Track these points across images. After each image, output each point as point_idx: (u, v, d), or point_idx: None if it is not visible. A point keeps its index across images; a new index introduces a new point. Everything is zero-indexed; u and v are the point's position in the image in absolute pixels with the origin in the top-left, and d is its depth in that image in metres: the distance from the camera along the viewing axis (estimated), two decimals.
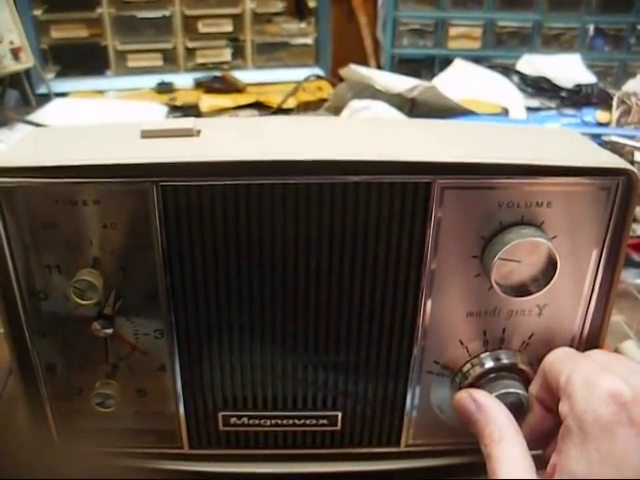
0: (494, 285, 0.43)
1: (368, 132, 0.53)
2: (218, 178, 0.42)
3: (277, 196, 0.42)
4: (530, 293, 0.44)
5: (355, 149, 0.43)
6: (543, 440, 0.45)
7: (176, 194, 0.42)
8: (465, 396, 0.46)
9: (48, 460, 0.50)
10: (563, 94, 1.43)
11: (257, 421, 0.51)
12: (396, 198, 0.42)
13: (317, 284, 0.45)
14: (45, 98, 1.43)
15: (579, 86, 1.42)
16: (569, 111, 1.37)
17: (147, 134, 0.46)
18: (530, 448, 0.41)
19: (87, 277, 0.43)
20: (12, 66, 1.15)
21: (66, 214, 0.43)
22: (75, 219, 0.43)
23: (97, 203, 0.42)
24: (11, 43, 1.14)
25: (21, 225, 0.43)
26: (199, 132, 0.47)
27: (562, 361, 0.44)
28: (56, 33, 1.61)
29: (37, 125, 1.15)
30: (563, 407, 0.40)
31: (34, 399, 0.49)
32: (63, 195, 0.42)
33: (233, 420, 0.50)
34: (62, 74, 1.65)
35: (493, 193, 0.42)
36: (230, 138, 0.49)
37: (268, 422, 0.51)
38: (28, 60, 1.20)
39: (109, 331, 0.45)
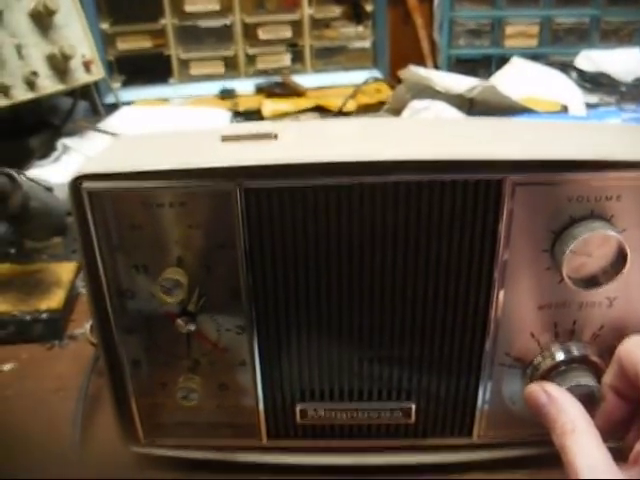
0: (565, 278, 0.44)
1: (436, 132, 0.54)
2: (298, 179, 0.43)
3: (354, 195, 0.44)
4: (600, 285, 0.44)
5: (428, 149, 0.45)
6: (619, 429, 0.45)
7: (258, 195, 0.44)
8: (537, 388, 0.46)
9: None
10: (623, 89, 1.41)
11: (333, 413, 0.52)
12: (469, 195, 0.43)
13: (393, 281, 0.46)
14: (113, 107, 1.47)
15: (639, 80, 1.40)
16: (629, 106, 1.35)
17: (228, 138, 0.48)
18: (606, 438, 0.41)
19: (173, 275, 0.45)
20: (84, 78, 1.19)
21: (152, 216, 0.45)
22: (161, 220, 0.45)
23: (182, 205, 0.44)
24: (83, 56, 1.18)
25: (109, 227, 0.45)
26: (277, 135, 0.48)
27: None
28: (122, 45, 1.67)
29: (109, 133, 1.19)
30: None
31: (121, 395, 0.52)
32: (149, 198, 0.44)
33: (310, 413, 0.52)
34: (128, 83, 1.70)
35: (563, 188, 0.43)
36: (308, 140, 0.50)
37: (344, 414, 0.52)
38: (98, 72, 1.23)
39: (192, 327, 0.48)
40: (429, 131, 0.54)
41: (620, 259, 0.44)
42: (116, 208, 0.45)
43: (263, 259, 0.46)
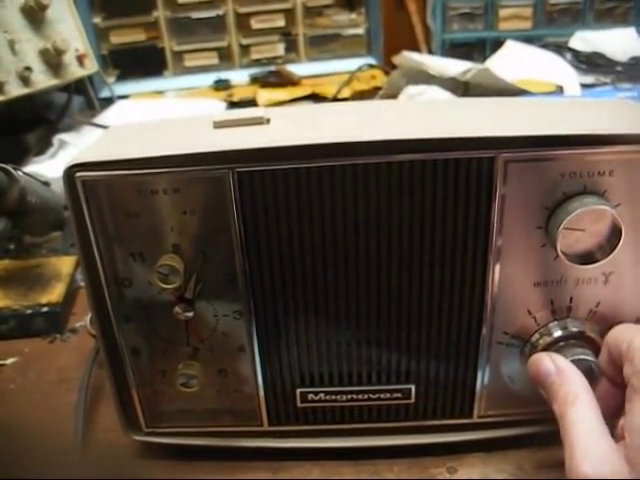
0: (560, 254, 0.44)
1: (428, 112, 0.54)
2: (291, 162, 0.43)
3: (347, 177, 0.44)
4: (595, 260, 0.44)
5: (420, 128, 0.45)
6: (614, 414, 0.44)
7: (251, 179, 0.44)
8: (544, 357, 0.46)
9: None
10: (618, 68, 1.40)
11: (333, 397, 0.52)
12: (461, 174, 0.43)
13: (388, 263, 0.46)
14: (108, 101, 1.47)
15: (635, 59, 1.40)
16: (625, 85, 1.34)
17: (220, 124, 0.48)
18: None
19: (170, 262, 0.45)
20: (78, 72, 1.18)
21: (147, 203, 0.45)
22: (155, 208, 0.45)
23: (177, 191, 0.44)
24: (76, 50, 1.17)
25: (105, 216, 0.45)
26: (269, 120, 0.49)
27: (623, 332, 0.44)
28: (115, 38, 1.66)
29: (105, 128, 1.19)
30: (626, 371, 0.41)
31: (121, 384, 0.52)
32: (144, 185, 0.44)
33: (310, 396, 0.52)
34: (122, 77, 1.69)
35: (556, 164, 0.43)
36: (300, 124, 0.50)
37: (344, 397, 0.52)
38: (92, 66, 1.23)
39: (190, 314, 0.48)
40: (421, 111, 0.54)
41: (614, 234, 0.44)
42: (111, 197, 0.45)
43: (258, 243, 0.46)
